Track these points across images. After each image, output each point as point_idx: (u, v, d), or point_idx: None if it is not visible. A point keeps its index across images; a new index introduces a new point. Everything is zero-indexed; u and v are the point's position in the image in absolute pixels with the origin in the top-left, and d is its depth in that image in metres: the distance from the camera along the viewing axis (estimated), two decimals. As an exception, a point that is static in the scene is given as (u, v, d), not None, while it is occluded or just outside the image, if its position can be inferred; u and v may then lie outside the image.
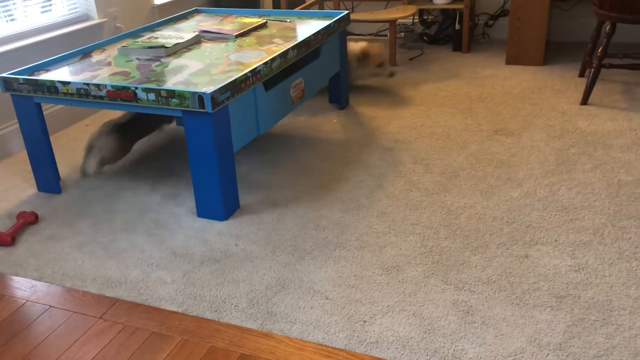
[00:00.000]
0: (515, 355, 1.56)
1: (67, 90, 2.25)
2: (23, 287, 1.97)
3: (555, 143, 2.70)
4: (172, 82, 2.22)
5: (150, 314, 1.80)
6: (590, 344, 1.57)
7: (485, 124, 2.94)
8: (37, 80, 2.30)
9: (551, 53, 3.96)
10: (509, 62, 3.80)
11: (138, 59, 2.56)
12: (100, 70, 2.42)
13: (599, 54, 3.00)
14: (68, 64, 2.54)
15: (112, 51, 2.70)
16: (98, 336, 1.73)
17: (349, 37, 3.19)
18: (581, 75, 3.50)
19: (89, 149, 2.57)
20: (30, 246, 2.19)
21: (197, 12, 3.36)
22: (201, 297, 1.86)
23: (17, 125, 2.98)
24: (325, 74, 2.96)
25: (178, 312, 1.80)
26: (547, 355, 1.55)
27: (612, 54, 3.06)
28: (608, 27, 2.96)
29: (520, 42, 3.72)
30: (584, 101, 3.09)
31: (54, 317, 1.82)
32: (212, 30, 2.89)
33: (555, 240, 2.01)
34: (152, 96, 2.11)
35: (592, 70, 3.03)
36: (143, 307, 1.83)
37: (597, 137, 2.73)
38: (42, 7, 3.19)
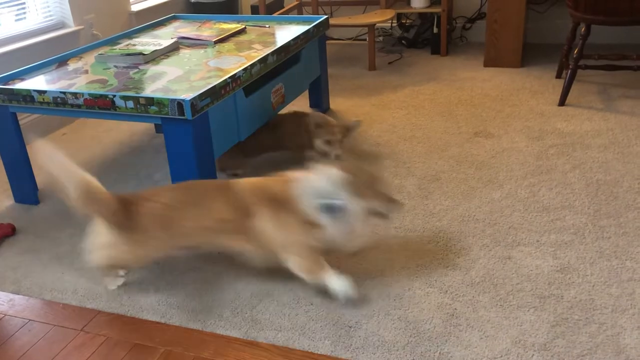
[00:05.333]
0: (501, 356, 1.56)
1: (44, 99, 2.21)
2: (0, 301, 1.93)
3: (534, 144, 2.72)
4: (151, 90, 2.20)
5: (132, 326, 1.77)
6: (574, 344, 1.58)
7: (465, 127, 2.96)
8: (12, 89, 2.26)
9: (528, 55, 4.00)
10: (487, 64, 3.83)
11: (116, 66, 2.53)
12: (77, 79, 2.39)
13: (575, 56, 3.04)
14: (44, 73, 2.50)
15: (89, 59, 2.66)
16: (79, 349, 1.70)
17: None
18: (558, 76, 3.54)
19: None
20: (8, 259, 2.14)
21: (175, 18, 3.34)
22: (184, 307, 1.83)
23: (-7, 135, 2.93)
24: (305, 79, 2.96)
25: (161, 322, 1.78)
26: (532, 356, 1.55)
27: (588, 55, 3.11)
28: (583, 29, 3.00)
29: (497, 45, 3.76)
30: (562, 102, 3.13)
31: (33, 330, 1.79)
32: (191, 36, 2.87)
33: (537, 241, 2.02)
34: (130, 104, 2.08)
35: (569, 71, 3.07)
36: (125, 318, 1.80)
37: (575, 137, 2.76)
38: (16, 14, 3.14)
